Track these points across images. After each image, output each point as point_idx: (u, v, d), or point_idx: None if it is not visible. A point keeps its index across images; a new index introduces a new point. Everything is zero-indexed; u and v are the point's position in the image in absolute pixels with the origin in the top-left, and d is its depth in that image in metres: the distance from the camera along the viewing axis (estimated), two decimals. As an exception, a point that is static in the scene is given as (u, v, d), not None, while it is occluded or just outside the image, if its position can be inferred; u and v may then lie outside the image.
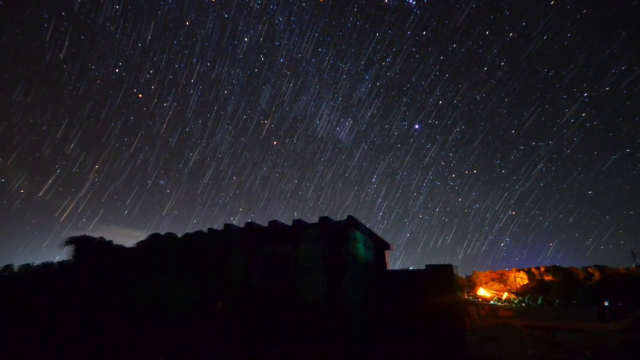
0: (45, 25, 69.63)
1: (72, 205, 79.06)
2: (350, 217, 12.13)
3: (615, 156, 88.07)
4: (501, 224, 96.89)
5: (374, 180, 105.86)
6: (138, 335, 12.43)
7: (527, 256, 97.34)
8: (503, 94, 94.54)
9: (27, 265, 13.60)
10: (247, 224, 13.65)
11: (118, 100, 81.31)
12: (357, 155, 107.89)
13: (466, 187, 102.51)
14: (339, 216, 13.72)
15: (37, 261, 13.84)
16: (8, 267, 13.36)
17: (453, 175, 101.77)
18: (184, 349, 12.10)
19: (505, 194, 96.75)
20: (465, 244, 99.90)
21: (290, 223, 13.39)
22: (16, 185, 72.54)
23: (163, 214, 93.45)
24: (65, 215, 78.66)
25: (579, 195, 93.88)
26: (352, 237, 11.65)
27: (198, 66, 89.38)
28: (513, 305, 45.05)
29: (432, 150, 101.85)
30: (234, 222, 14.30)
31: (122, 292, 12.77)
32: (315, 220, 12.88)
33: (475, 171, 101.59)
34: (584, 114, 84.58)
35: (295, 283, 10.96)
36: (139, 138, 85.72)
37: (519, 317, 32.58)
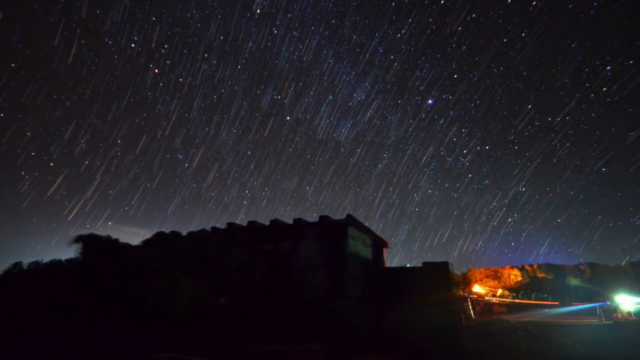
0: (54, 30, 70.27)
1: (79, 205, 79.67)
2: (349, 216, 12.48)
3: (608, 155, 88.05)
4: (496, 222, 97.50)
5: (372, 179, 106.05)
6: (143, 330, 12.69)
7: (520, 254, 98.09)
8: (522, 67, 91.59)
9: (36, 262, 13.86)
10: (250, 222, 13.94)
11: (124, 103, 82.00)
12: (358, 153, 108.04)
13: (476, 164, 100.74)
14: (339, 215, 14.09)
15: (46, 259, 14.09)
16: (18, 265, 13.60)
17: (465, 152, 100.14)
18: (188, 344, 12.38)
19: (517, 171, 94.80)
20: (460, 242, 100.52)
21: (291, 222, 13.70)
22: (26, 184, 73.02)
23: (168, 213, 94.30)
24: (73, 214, 79.17)
25: (571, 195, 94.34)
26: (351, 235, 12.02)
27: (202, 69, 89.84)
28: (507, 301, 45.73)
29: (444, 127, 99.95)
30: (237, 221, 14.61)
31: (128, 289, 13.03)
32: (315, 219, 13.21)
33: (487, 147, 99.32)
34: (605, 88, 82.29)
35: (296, 280, 11.30)
36: (144, 139, 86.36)
37: (513, 312, 33.20)
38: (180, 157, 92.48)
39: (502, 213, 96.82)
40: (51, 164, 75.69)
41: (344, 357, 9.03)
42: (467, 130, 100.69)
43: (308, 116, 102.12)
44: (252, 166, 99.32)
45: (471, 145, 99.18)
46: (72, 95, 75.85)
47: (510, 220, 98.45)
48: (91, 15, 73.75)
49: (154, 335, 12.60)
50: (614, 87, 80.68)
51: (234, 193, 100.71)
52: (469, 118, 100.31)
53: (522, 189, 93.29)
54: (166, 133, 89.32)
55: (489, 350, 14.27)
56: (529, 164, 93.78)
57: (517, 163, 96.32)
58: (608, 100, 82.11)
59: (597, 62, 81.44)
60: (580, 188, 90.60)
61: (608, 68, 79.65)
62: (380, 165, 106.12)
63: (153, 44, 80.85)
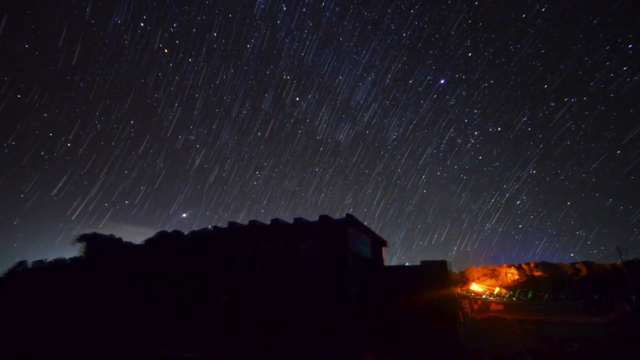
0: (58, 31, 70.43)
1: (83, 204, 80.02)
2: (349, 215, 12.65)
3: (604, 156, 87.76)
4: (493, 221, 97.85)
5: (372, 179, 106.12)
6: (144, 327, 12.81)
7: (517, 253, 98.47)
8: (540, 44, 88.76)
9: (41, 261, 13.98)
10: (251, 221, 14.08)
11: (127, 105, 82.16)
12: (358, 153, 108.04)
13: (487, 145, 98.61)
14: (338, 214, 14.27)
15: (50, 258, 14.23)
16: (22, 264, 13.73)
17: (476, 133, 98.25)
18: (189, 341, 12.53)
19: (529, 153, 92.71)
20: (458, 242, 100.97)
21: (291, 221, 13.84)
22: (31, 184, 73.26)
23: (170, 212, 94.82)
24: (77, 213, 79.49)
25: (568, 193, 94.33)
26: (351, 234, 12.20)
27: (203, 71, 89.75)
28: (504, 299, 46.11)
29: (456, 108, 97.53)
30: (238, 221, 14.77)
31: (130, 287, 13.17)
32: (315, 218, 13.37)
33: (499, 129, 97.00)
34: (625, 67, 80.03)
35: (297, 278, 11.45)
36: (147, 140, 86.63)
37: (510, 310, 33.53)
38: (192, 137, 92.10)
39: (499, 212, 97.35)
40: (55, 164, 75.91)
41: (344, 355, 9.22)
42: (479, 112, 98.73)
43: (310, 111, 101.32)
44: (254, 166, 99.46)
45: (502, 100, 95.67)
46: (76, 96, 75.99)
47: (507, 219, 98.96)
48: (95, 15, 73.81)
49: (156, 333, 12.71)
50: (635, 66, 77.76)
51: (235, 193, 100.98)
52: (481, 98, 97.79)
53: (532, 171, 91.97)
54: (168, 134, 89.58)
55: (487, 347, 14.46)
56: (541, 146, 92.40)
57: (529, 145, 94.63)
58: (628, 80, 78.58)
59: (619, 40, 78.45)
60: (578, 186, 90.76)
61: (630, 46, 76.48)
62: (379, 165, 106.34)
63: (155, 46, 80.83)
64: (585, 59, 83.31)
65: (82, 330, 12.70)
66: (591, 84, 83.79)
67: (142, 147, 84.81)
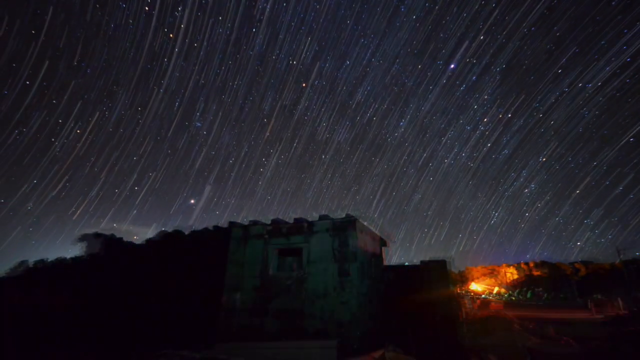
0: (60, 32, 70.70)
1: (84, 204, 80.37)
2: (350, 215, 12.76)
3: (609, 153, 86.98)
4: (492, 222, 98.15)
5: (373, 177, 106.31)
6: (147, 327, 12.86)
7: (516, 252, 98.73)
8: (555, 27, 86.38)
9: (42, 261, 14.01)
10: (252, 220, 14.15)
11: (128, 105, 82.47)
12: (356, 154, 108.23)
13: (497, 133, 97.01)
14: (339, 213, 14.37)
15: (51, 257, 14.27)
16: (24, 263, 13.77)
17: (485, 120, 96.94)
18: (194, 341, 12.57)
19: (542, 132, 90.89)
20: (458, 241, 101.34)
21: (302, 219, 13.94)
22: (32, 183, 73.46)
23: (171, 212, 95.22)
24: (78, 213, 79.78)
25: (568, 193, 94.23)
26: (359, 229, 12.31)
27: (203, 72, 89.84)
28: (504, 298, 46.30)
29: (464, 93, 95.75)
30: (240, 220, 14.81)
31: (132, 287, 13.22)
32: (316, 218, 13.47)
33: (509, 115, 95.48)
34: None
35: (306, 275, 11.48)
36: (147, 140, 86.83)
37: (509, 309, 33.70)
38: (199, 124, 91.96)
39: (499, 211, 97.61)
40: (56, 163, 76.02)
41: (354, 353, 9.28)
42: (490, 97, 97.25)
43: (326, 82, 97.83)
44: (256, 165, 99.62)
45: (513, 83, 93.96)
46: (76, 98, 76.18)
47: (507, 218, 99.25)
48: (95, 17, 73.78)
49: (158, 332, 12.74)
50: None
51: (236, 192, 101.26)
52: (492, 84, 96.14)
53: (542, 159, 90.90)
54: (169, 134, 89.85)
55: (488, 346, 14.53)
56: (552, 132, 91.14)
57: (539, 133, 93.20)
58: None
59: (638, 23, 75.51)
60: (577, 185, 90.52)
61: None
62: (380, 163, 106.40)
63: (156, 47, 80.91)
64: (602, 42, 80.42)
65: (83, 330, 12.74)
66: (607, 68, 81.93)
67: (142, 148, 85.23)
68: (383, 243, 16.72)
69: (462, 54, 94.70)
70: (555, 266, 52.71)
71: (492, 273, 56.56)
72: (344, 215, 12.34)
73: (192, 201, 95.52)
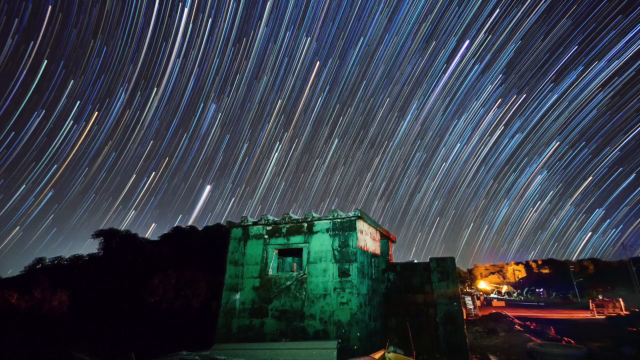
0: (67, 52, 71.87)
1: (101, 201, 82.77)
2: (358, 210, 12.96)
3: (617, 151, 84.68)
4: (496, 221, 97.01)
5: (382, 170, 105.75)
6: (158, 324, 13.18)
7: (523, 250, 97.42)
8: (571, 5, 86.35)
9: (59, 257, 14.47)
10: (253, 221, 14.45)
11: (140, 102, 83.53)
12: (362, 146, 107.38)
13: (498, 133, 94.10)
14: (347, 209, 14.58)
15: (68, 254, 14.72)
16: (41, 260, 14.25)
17: (499, 101, 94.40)
18: (201, 341, 12.95)
19: (552, 123, 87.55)
20: (465, 238, 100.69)
21: (301, 216, 14.16)
22: (49, 182, 75.81)
23: (171, 212, 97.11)
24: (94, 210, 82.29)
25: (590, 167, 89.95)
26: (360, 229, 12.54)
27: (203, 72, 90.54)
28: (513, 297, 46.13)
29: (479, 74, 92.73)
30: (248, 216, 15.15)
31: (146, 282, 13.53)
32: (325, 212, 13.71)
33: (524, 95, 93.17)
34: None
35: (307, 275, 11.79)
36: (147, 140, 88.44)
37: (511, 307, 33.73)
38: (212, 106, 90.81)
39: (505, 209, 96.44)
40: (71, 162, 78.08)
41: (354, 354, 9.55)
42: (504, 76, 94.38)
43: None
44: (256, 165, 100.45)
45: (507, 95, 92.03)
46: (95, 94, 77.49)
47: (514, 214, 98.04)
48: (101, 37, 74.07)
49: (170, 332, 13.00)
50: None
51: (247, 189, 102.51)
52: (506, 63, 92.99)
53: (556, 143, 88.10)
54: (169, 134, 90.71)
55: (492, 347, 14.65)
56: (566, 113, 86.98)
57: (552, 115, 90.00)
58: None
59: None
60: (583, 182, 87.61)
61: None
62: (382, 161, 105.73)
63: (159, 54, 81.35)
64: (619, 16, 76.78)
65: (98, 326, 13.06)
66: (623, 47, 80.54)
67: (150, 148, 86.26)
68: (388, 238, 16.90)
69: (462, 53, 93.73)
70: (563, 264, 52.24)
71: (499, 271, 56.34)
72: (344, 215, 12.60)
73: (209, 186, 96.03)
